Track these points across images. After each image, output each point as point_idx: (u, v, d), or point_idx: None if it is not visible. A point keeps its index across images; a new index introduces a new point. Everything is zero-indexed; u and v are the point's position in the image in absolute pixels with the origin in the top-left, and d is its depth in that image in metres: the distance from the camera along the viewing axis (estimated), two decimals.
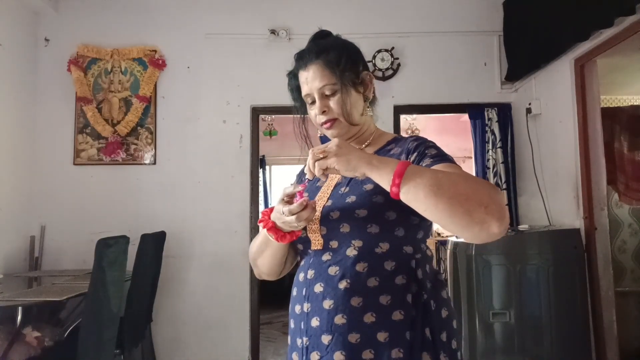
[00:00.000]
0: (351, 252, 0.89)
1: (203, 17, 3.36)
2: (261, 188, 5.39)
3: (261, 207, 4.98)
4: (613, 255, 2.74)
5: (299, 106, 1.07)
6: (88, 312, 2.06)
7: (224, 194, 3.27)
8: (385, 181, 0.77)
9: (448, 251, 2.66)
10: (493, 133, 3.26)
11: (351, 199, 0.91)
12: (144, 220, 3.12)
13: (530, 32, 2.87)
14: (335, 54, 0.98)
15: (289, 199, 0.90)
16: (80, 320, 2.10)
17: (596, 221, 2.51)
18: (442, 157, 0.90)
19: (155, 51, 3.31)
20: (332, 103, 0.97)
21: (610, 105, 3.72)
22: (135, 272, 2.51)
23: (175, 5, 3.37)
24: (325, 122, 0.99)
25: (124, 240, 2.25)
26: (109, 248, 2.09)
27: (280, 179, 6.24)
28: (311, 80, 0.98)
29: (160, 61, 3.30)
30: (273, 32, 3.28)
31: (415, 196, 0.75)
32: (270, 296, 4.08)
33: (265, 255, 1.03)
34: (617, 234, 3.15)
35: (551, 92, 2.88)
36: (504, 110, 3.30)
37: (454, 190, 0.75)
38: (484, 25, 3.36)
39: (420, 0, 3.41)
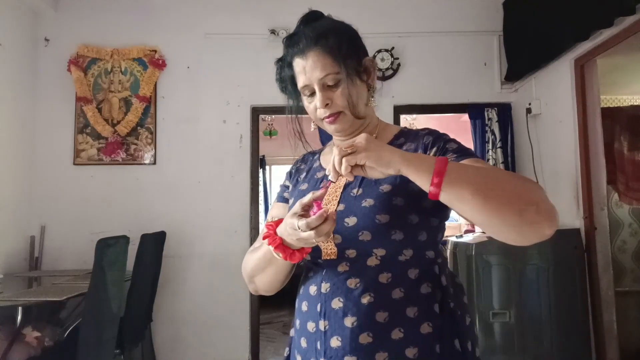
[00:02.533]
0: (373, 261, 0.81)
1: (203, 17, 3.36)
2: (261, 188, 5.40)
3: (261, 207, 4.98)
4: (613, 255, 2.74)
5: (294, 99, 0.96)
6: (88, 312, 2.06)
7: (224, 194, 3.26)
8: (423, 180, 0.70)
9: (448, 251, 2.66)
10: (493, 133, 3.26)
11: (368, 202, 0.82)
12: (144, 220, 3.12)
13: (530, 32, 2.87)
14: (335, 39, 0.87)
15: (304, 211, 0.75)
16: (80, 320, 2.10)
17: (596, 221, 2.51)
18: (465, 151, 0.83)
19: (155, 51, 3.31)
20: (336, 95, 0.87)
21: (610, 105, 3.72)
22: (135, 272, 2.51)
23: (175, 5, 3.37)
24: (329, 117, 0.89)
25: (124, 240, 2.25)
26: (109, 248, 2.09)
27: (280, 179, 6.24)
28: (310, 69, 0.86)
29: (160, 61, 3.30)
30: (273, 32, 3.28)
31: (459, 196, 0.69)
32: (270, 296, 4.08)
33: (266, 273, 0.91)
34: (617, 234, 3.14)
35: (551, 92, 2.88)
36: (504, 110, 3.30)
37: (503, 188, 0.69)
38: (484, 25, 3.36)
39: (420, 0, 3.41)
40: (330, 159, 0.73)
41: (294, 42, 0.89)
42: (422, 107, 3.46)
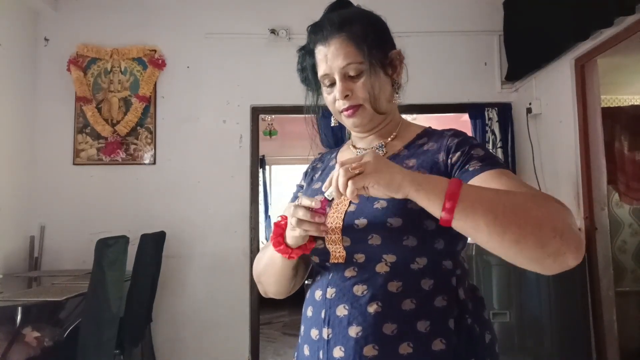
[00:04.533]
0: (382, 268, 0.76)
1: (203, 16, 3.36)
2: (261, 188, 5.39)
3: (261, 207, 4.97)
4: (613, 255, 2.74)
5: (314, 90, 0.91)
6: (88, 312, 2.06)
7: (224, 194, 3.26)
8: (434, 205, 0.65)
9: None
10: (493, 133, 3.25)
11: (380, 204, 0.76)
12: (144, 220, 3.12)
13: (531, 31, 2.87)
14: (361, 27, 0.82)
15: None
16: (80, 321, 2.10)
17: (596, 221, 2.50)
18: (491, 160, 0.76)
19: (155, 51, 3.30)
20: (357, 86, 0.82)
21: (611, 105, 3.72)
22: (135, 272, 2.50)
23: (175, 5, 3.37)
24: (347, 109, 0.84)
25: (124, 240, 2.25)
26: (109, 248, 2.09)
27: (280, 179, 6.23)
28: (332, 57, 0.81)
29: (160, 61, 3.30)
30: (273, 32, 3.28)
31: (474, 224, 0.63)
32: None
33: (269, 274, 0.89)
34: (617, 234, 3.14)
35: (551, 92, 2.87)
36: (504, 110, 3.29)
37: (523, 216, 0.63)
38: (484, 25, 3.35)
39: (420, 0, 3.41)
40: (334, 174, 0.67)
41: (318, 29, 0.85)
42: (422, 107, 3.46)
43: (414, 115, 5.19)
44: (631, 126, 3.05)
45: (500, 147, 3.23)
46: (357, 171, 0.65)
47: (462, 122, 4.57)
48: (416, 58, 3.31)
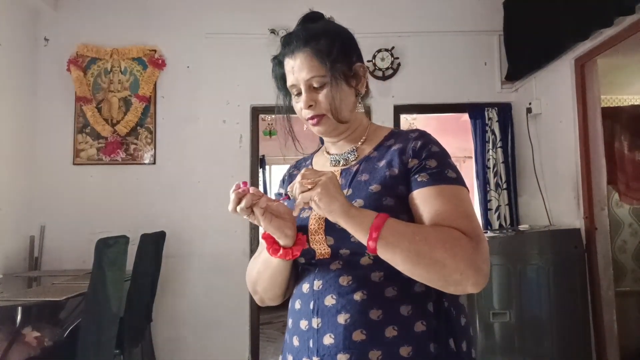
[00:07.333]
0: (365, 261, 0.82)
1: (203, 16, 3.36)
2: (261, 188, 5.39)
3: None
4: (613, 255, 2.74)
5: (284, 96, 0.99)
6: (88, 312, 2.06)
7: (224, 194, 3.22)
8: (361, 235, 0.75)
9: None
10: (493, 133, 3.25)
11: (358, 203, 0.82)
12: (144, 220, 3.12)
13: (531, 31, 2.87)
14: (326, 42, 0.88)
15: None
16: (80, 320, 2.10)
17: (596, 221, 2.50)
18: (439, 174, 0.82)
19: (155, 51, 3.30)
20: (320, 97, 0.88)
21: (611, 105, 3.71)
22: (135, 272, 2.50)
23: (175, 5, 3.37)
24: (311, 118, 0.90)
25: (123, 240, 2.25)
26: (109, 248, 2.09)
27: (280, 179, 6.23)
28: (298, 70, 0.88)
29: (160, 61, 3.29)
30: (273, 31, 3.28)
31: (392, 259, 0.75)
32: None
33: (264, 278, 0.93)
34: (617, 233, 3.14)
35: (551, 92, 2.87)
36: (504, 110, 3.29)
37: (432, 257, 0.73)
38: (484, 24, 3.35)
39: (420, 0, 3.40)
40: (295, 181, 0.77)
41: (287, 42, 0.91)
42: (422, 107, 3.46)
43: (414, 115, 5.19)
44: (631, 126, 3.05)
45: (500, 147, 3.23)
46: (309, 186, 0.74)
47: (462, 122, 4.57)
48: (416, 58, 3.35)
